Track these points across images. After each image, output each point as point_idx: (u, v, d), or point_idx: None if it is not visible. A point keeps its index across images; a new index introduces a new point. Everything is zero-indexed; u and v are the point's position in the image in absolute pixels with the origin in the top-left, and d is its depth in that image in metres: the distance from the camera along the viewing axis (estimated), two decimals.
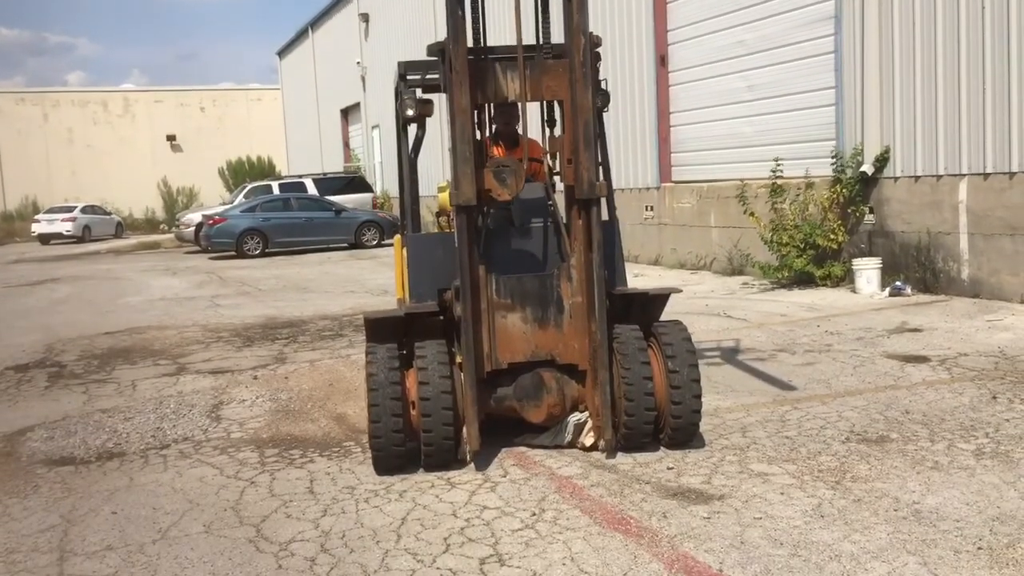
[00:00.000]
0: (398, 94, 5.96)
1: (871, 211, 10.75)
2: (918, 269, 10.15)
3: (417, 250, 5.51)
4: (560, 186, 5.30)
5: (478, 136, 5.27)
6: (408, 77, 5.98)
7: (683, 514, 4.07)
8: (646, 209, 15.19)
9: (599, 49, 5.33)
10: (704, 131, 13.88)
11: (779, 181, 11.46)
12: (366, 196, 26.71)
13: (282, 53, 44.46)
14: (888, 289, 10.14)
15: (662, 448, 4.98)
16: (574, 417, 5.06)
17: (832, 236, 10.92)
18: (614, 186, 5.80)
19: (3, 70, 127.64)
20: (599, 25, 14.83)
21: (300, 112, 41.23)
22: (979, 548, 3.58)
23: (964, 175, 9.50)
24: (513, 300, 5.01)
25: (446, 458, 4.81)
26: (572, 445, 5.05)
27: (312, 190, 26.08)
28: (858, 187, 10.73)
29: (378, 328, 5.05)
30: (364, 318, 5.08)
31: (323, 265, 19.17)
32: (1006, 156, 9.03)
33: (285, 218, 23.35)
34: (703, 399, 4.98)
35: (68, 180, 47.73)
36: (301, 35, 39.94)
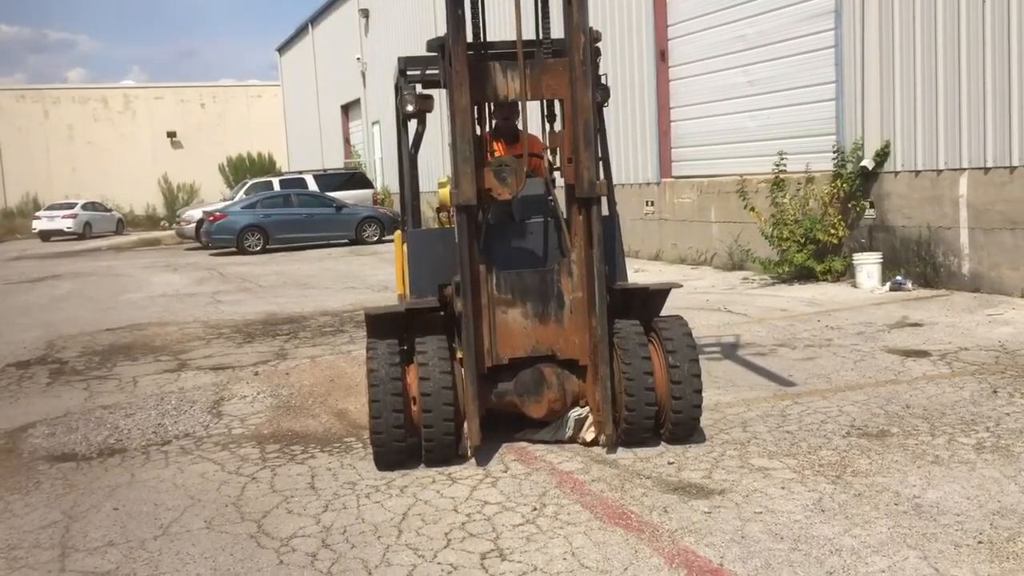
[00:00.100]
0: (398, 90, 5.96)
1: (871, 206, 10.74)
2: (919, 264, 10.15)
3: (417, 246, 5.51)
4: (560, 181, 5.30)
5: (478, 132, 5.27)
6: (408, 73, 5.98)
7: (684, 509, 4.07)
8: (646, 204, 15.19)
9: (599, 44, 5.32)
10: (704, 126, 13.87)
11: (780, 175, 11.45)
12: (366, 192, 26.71)
13: (282, 49, 44.42)
14: (889, 284, 10.14)
15: (663, 443, 4.98)
16: (575, 412, 5.07)
17: (832, 231, 10.92)
18: (614, 181, 5.79)
19: (4, 67, 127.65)
20: (599, 20, 14.81)
21: (300, 108, 41.21)
22: (979, 542, 3.59)
23: (964, 169, 9.50)
24: (514, 295, 5.01)
25: (447, 453, 4.81)
26: (573, 440, 5.05)
27: (313, 186, 26.08)
28: (858, 182, 10.72)
29: (379, 324, 5.06)
30: (365, 314, 5.08)
31: (324, 261, 19.17)
32: (1007, 150, 9.03)
33: (286, 214, 23.36)
34: (704, 394, 4.98)
35: (69, 177, 47.72)
36: (301, 31, 39.91)
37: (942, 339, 7.45)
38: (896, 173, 10.38)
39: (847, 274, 10.88)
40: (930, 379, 6.19)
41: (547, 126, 5.72)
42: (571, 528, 3.93)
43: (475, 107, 5.08)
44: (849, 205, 10.89)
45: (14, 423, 6.38)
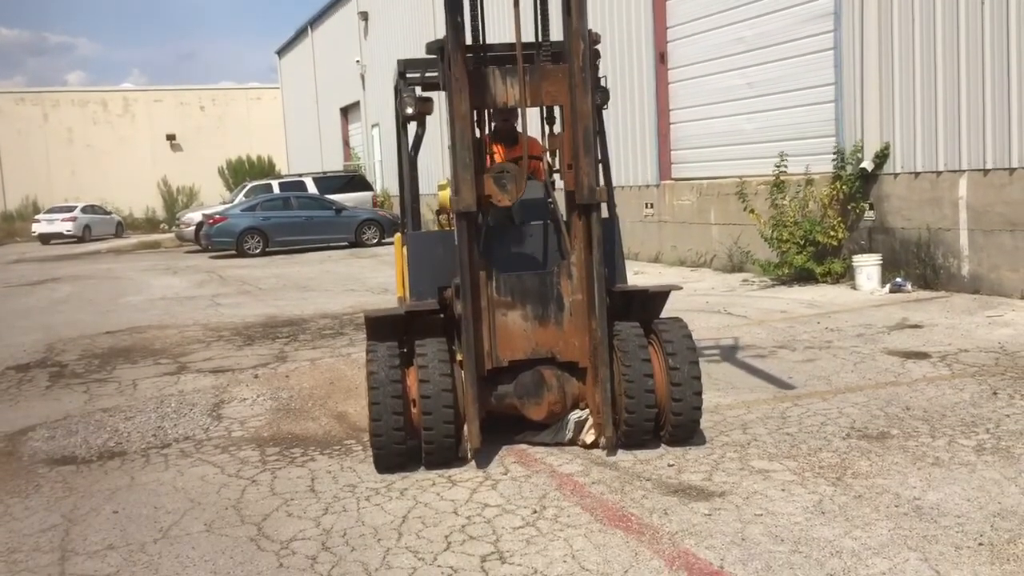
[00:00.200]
0: (398, 92, 5.96)
1: (871, 207, 10.74)
2: (918, 265, 10.15)
3: (417, 248, 5.52)
4: (560, 183, 5.31)
5: (478, 134, 5.27)
6: (408, 75, 5.99)
7: (684, 511, 4.07)
8: (646, 207, 15.19)
9: (598, 47, 5.33)
10: (704, 128, 13.87)
11: (780, 177, 11.45)
12: (366, 195, 26.71)
13: (282, 52, 44.45)
14: (888, 285, 10.14)
15: (663, 445, 4.98)
16: (575, 415, 5.07)
17: (832, 233, 10.92)
18: (614, 183, 5.79)
19: (3, 70, 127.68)
20: (598, 22, 14.82)
21: (300, 111, 41.22)
22: (980, 544, 3.59)
23: (964, 171, 9.50)
24: (513, 298, 5.01)
25: (447, 456, 4.81)
26: (573, 442, 5.05)
27: (312, 189, 26.07)
28: (858, 183, 10.72)
29: (379, 326, 5.06)
30: (365, 316, 5.08)
31: (323, 264, 19.17)
32: (1006, 152, 9.03)
33: (285, 217, 23.36)
34: (704, 396, 4.98)
35: (68, 180, 47.73)
36: (300, 34, 39.92)
37: (942, 341, 7.45)
38: (896, 175, 10.38)
39: (847, 276, 10.88)
40: (930, 381, 6.19)
41: (546, 128, 5.73)
42: (571, 531, 3.93)
43: (475, 112, 5.08)
44: (849, 207, 10.89)
45: (14, 426, 6.37)
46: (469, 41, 5.17)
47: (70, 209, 37.36)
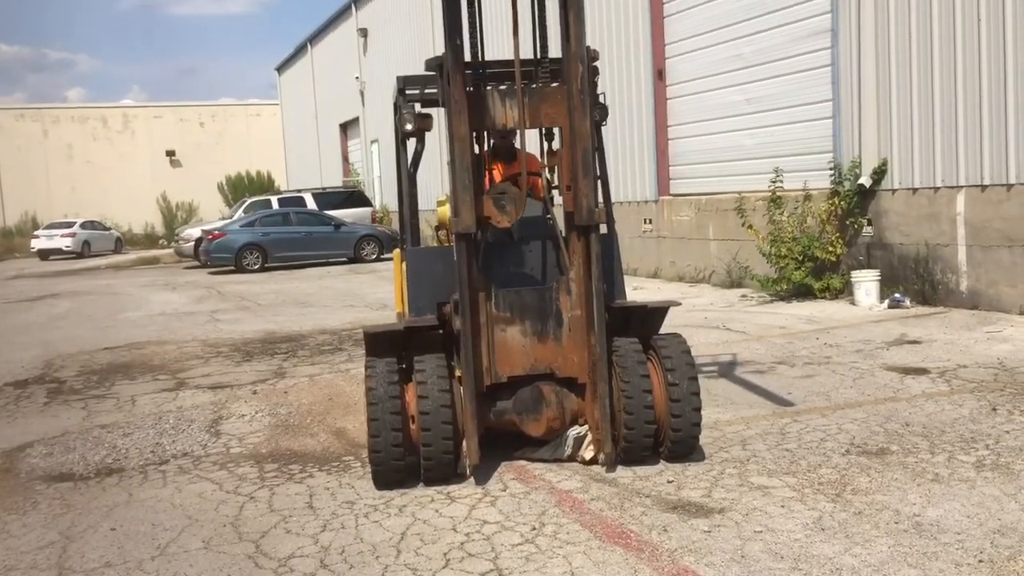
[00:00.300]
0: (397, 109, 5.98)
1: (869, 223, 10.77)
2: (917, 281, 10.16)
3: (416, 264, 5.52)
4: (558, 199, 5.32)
5: (476, 151, 5.28)
6: (407, 92, 6.01)
7: (683, 528, 4.06)
8: (645, 222, 15.22)
9: (597, 63, 5.35)
10: (702, 144, 13.92)
11: (778, 193, 11.48)
12: (365, 210, 26.76)
13: (281, 69, 44.60)
14: (887, 301, 10.15)
15: (662, 461, 4.97)
16: (574, 431, 5.06)
17: (830, 248, 10.94)
18: (612, 199, 5.81)
19: (3, 86, 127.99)
20: (597, 39, 14.88)
21: (299, 127, 41.32)
22: (980, 561, 3.58)
23: (961, 187, 9.53)
24: (512, 314, 5.01)
25: (446, 472, 4.80)
26: (572, 459, 5.04)
27: (311, 204, 26.12)
28: (856, 199, 10.75)
29: (377, 342, 5.06)
30: (363, 332, 5.08)
31: (322, 279, 19.17)
32: (1003, 168, 9.06)
33: (284, 233, 23.38)
34: (703, 412, 4.97)
35: (68, 196, 47.81)
36: (300, 51, 40.07)
37: (941, 356, 7.45)
38: (893, 191, 10.41)
39: (845, 291, 10.88)
40: (929, 396, 6.18)
41: (545, 145, 5.75)
42: (570, 547, 3.92)
43: (473, 131, 5.10)
44: (847, 222, 10.92)
45: (12, 443, 6.36)
46: (468, 58, 5.19)
47: (69, 225, 37.40)
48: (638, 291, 12.20)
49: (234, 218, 25.78)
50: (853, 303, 10.45)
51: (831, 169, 11.00)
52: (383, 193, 29.67)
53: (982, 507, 4.12)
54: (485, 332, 4.95)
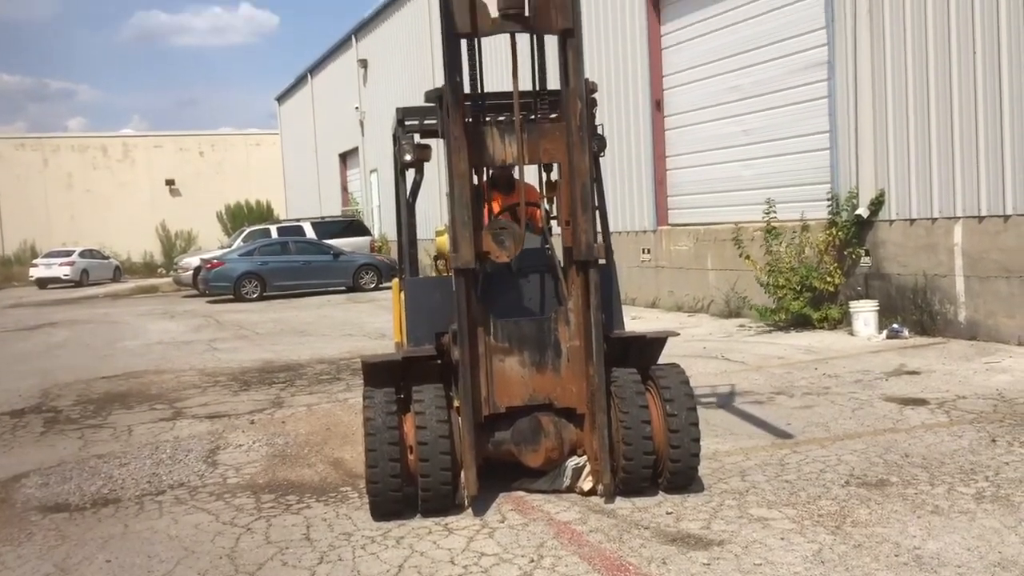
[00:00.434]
0: (396, 140, 6.02)
1: (867, 254, 10.79)
2: (915, 311, 10.17)
3: (415, 294, 5.53)
4: (557, 228, 5.34)
5: (475, 180, 5.31)
6: (406, 123, 6.04)
7: (683, 560, 4.03)
8: (643, 252, 15.25)
9: (595, 95, 5.39)
10: (700, 174, 13.98)
11: (774, 224, 11.52)
12: (364, 239, 26.81)
13: (281, 99, 44.85)
14: (885, 331, 10.15)
15: (661, 492, 4.95)
16: (572, 461, 5.04)
17: (828, 279, 10.96)
18: (611, 229, 5.83)
19: (4, 116, 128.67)
20: (595, 70, 14.99)
21: (299, 156, 41.49)
22: None
23: (959, 218, 9.56)
24: (511, 344, 5.01)
25: (444, 503, 4.77)
26: (570, 490, 5.02)
27: (310, 234, 26.19)
28: (854, 230, 10.78)
29: (376, 372, 5.05)
30: (362, 362, 5.07)
31: (321, 308, 19.17)
32: (1000, 199, 9.09)
33: (283, 262, 23.41)
34: (702, 443, 4.96)
35: (67, 224, 47.90)
36: (300, 81, 40.33)
37: (940, 387, 7.44)
38: (891, 221, 10.44)
39: (844, 322, 10.89)
40: (928, 428, 6.17)
41: (543, 176, 5.78)
42: None
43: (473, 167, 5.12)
44: (845, 253, 10.94)
45: (7, 472, 6.32)
46: (467, 89, 5.23)
47: (68, 253, 37.41)
48: (636, 321, 12.20)
49: (233, 247, 25.82)
50: (852, 333, 10.45)
51: (828, 200, 11.04)
52: (382, 222, 29.75)
53: (982, 540, 4.10)
54: (484, 362, 4.95)
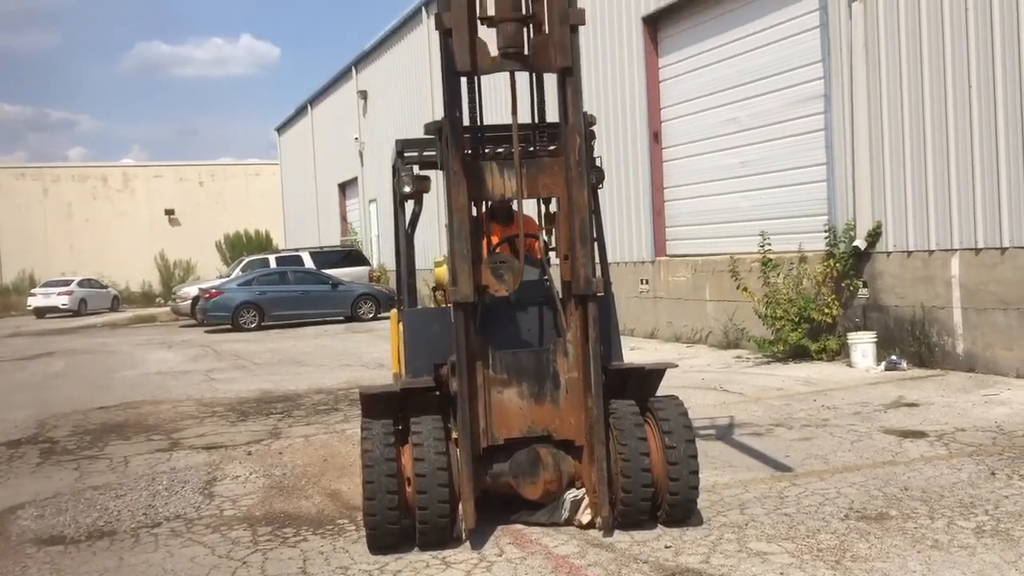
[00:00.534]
0: (395, 171, 6.05)
1: (865, 285, 10.81)
2: (913, 343, 10.17)
3: (414, 325, 5.53)
4: (555, 259, 5.35)
5: (474, 212, 5.33)
6: (406, 154, 6.07)
7: None
8: (641, 282, 15.27)
9: (593, 128, 5.42)
10: (698, 206, 14.04)
11: (771, 256, 11.55)
12: (362, 269, 26.85)
13: (281, 129, 45.09)
14: (884, 363, 10.14)
15: (660, 525, 4.92)
16: (571, 494, 5.02)
17: (826, 310, 10.97)
18: (609, 259, 5.84)
19: (5, 145, 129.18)
20: (593, 102, 15.09)
21: (298, 186, 41.65)
22: None
23: (956, 250, 9.59)
24: (509, 375, 5.00)
25: (442, 536, 4.75)
26: (569, 522, 4.99)
27: (309, 263, 26.22)
28: (851, 261, 10.81)
29: (374, 403, 5.04)
30: (360, 393, 5.07)
31: (319, 338, 19.15)
32: (997, 231, 9.13)
33: (282, 291, 23.43)
34: (700, 475, 4.94)
35: (66, 254, 47.94)
36: (300, 112, 40.57)
37: (939, 419, 7.43)
38: (888, 253, 10.48)
39: (842, 353, 10.88)
40: (928, 460, 6.15)
41: (542, 208, 5.80)
42: None
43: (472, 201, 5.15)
44: (842, 284, 10.96)
45: (3, 504, 6.29)
46: (467, 121, 5.26)
47: (67, 283, 37.43)
48: (635, 351, 12.19)
49: (232, 277, 25.85)
50: (850, 365, 10.45)
51: (826, 231, 11.09)
52: (381, 252, 29.81)
53: (982, 575, 4.08)
54: (482, 394, 4.94)
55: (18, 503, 6.29)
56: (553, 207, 5.51)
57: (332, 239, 34.90)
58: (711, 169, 13.61)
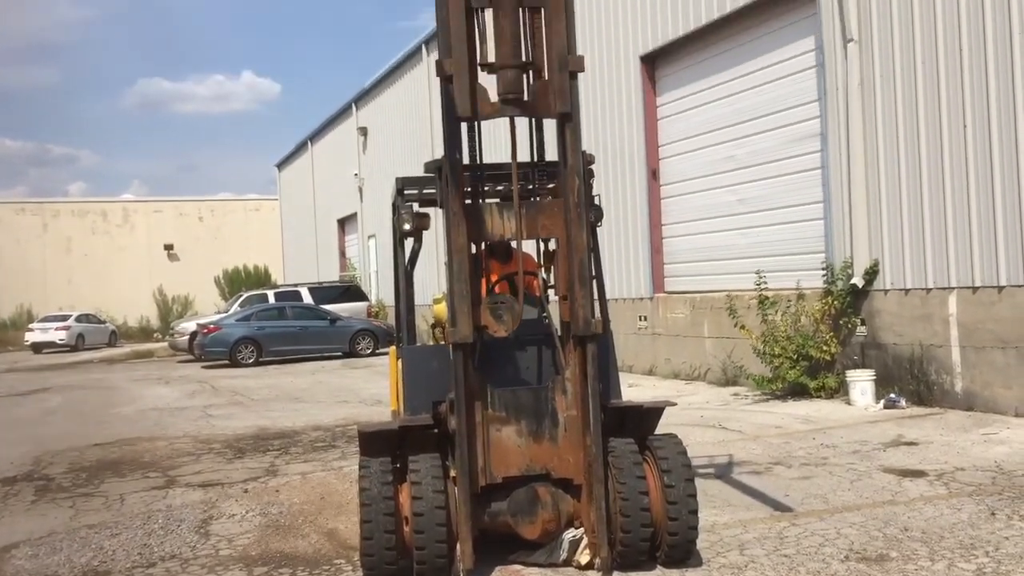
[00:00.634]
0: (395, 209, 6.08)
1: (863, 323, 10.82)
2: (912, 381, 10.16)
3: (412, 362, 5.53)
4: (553, 296, 5.36)
5: (473, 249, 5.35)
6: (406, 192, 6.11)
7: None
8: (640, 319, 15.27)
9: (592, 166, 5.46)
10: (696, 242, 14.09)
11: (769, 293, 11.58)
12: (361, 305, 26.86)
13: (281, 165, 45.34)
14: (883, 401, 10.13)
15: (659, 566, 4.88)
16: (569, 534, 4.98)
17: (825, 347, 10.97)
18: (608, 296, 5.85)
19: (5, 180, 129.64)
20: (592, 140, 15.19)
21: (298, 222, 41.80)
22: None
23: (953, 288, 9.61)
24: (508, 413, 4.99)
25: None
26: (567, 563, 4.95)
27: (308, 299, 26.25)
28: (849, 299, 10.83)
29: (372, 441, 5.02)
30: (358, 431, 5.05)
31: (316, 374, 19.10)
32: (993, 270, 9.16)
33: (280, 327, 23.42)
34: (700, 514, 4.91)
35: (64, 288, 47.96)
36: (301, 148, 40.82)
37: (938, 458, 7.40)
38: (886, 291, 10.50)
39: (841, 391, 10.86)
40: (928, 500, 6.12)
41: (541, 245, 5.82)
42: None
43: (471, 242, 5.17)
44: (840, 322, 10.97)
45: None
46: (467, 160, 5.29)
47: (64, 318, 37.43)
48: (633, 388, 12.16)
49: (230, 312, 25.85)
50: (849, 403, 10.43)
51: (824, 269, 11.12)
52: (379, 287, 29.85)
53: None
54: (481, 432, 4.92)
55: (12, 542, 6.24)
56: (552, 245, 5.53)
57: (331, 275, 34.97)
58: (709, 206, 13.68)
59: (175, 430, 11.39)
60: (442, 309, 5.86)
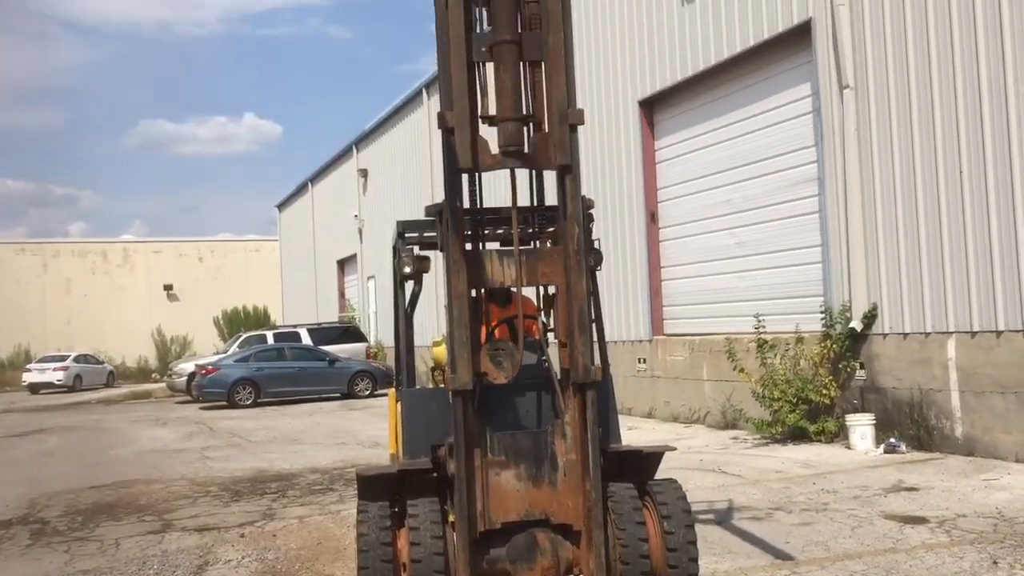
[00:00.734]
0: (396, 251, 6.10)
1: (862, 367, 10.81)
2: (911, 426, 10.12)
3: (412, 405, 5.51)
4: (553, 340, 5.36)
5: (472, 293, 5.37)
6: (406, 235, 6.14)
7: None
8: (639, 361, 15.26)
9: (592, 211, 5.49)
10: (695, 285, 14.12)
11: (768, 336, 11.58)
12: (360, 346, 26.83)
13: (282, 206, 45.56)
14: (883, 446, 10.08)
15: None
16: None
17: (824, 391, 10.94)
18: (607, 338, 5.85)
19: (6, 220, 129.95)
20: (591, 184, 15.30)
21: (297, 262, 41.89)
22: None
23: (952, 333, 9.62)
24: (507, 457, 4.97)
25: None
26: None
27: (307, 339, 26.22)
28: (848, 343, 10.83)
29: (371, 485, 4.99)
30: (357, 475, 5.02)
31: (314, 416, 19.03)
32: (992, 315, 9.17)
33: (278, 368, 23.38)
34: (700, 562, 4.87)
35: (63, 329, 47.92)
36: (301, 189, 41.05)
37: (939, 505, 7.36)
38: (884, 335, 10.50)
39: (841, 435, 10.82)
40: (929, 548, 6.08)
41: (541, 289, 5.83)
42: None
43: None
44: (839, 366, 10.96)
45: None
46: (467, 203, 5.33)
47: (62, 359, 37.34)
48: (632, 431, 12.12)
49: (228, 353, 25.81)
50: (849, 447, 10.38)
51: (822, 312, 11.13)
52: (379, 328, 29.83)
53: None
54: (480, 476, 4.89)
55: None
56: (552, 289, 5.55)
57: (330, 315, 34.98)
58: (708, 249, 13.74)
59: (172, 472, 11.32)
60: (441, 352, 5.86)
